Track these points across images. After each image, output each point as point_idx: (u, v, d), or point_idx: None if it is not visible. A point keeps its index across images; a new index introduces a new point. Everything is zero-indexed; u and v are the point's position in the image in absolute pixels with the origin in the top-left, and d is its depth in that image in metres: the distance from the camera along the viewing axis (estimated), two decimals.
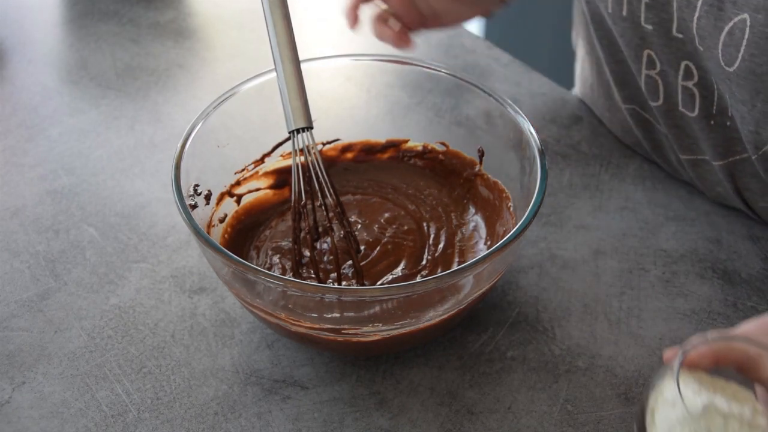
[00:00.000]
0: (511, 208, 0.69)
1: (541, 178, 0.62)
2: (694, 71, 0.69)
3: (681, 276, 0.72)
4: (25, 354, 0.65)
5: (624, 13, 0.70)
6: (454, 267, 0.66)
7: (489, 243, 0.70)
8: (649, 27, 0.69)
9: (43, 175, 0.81)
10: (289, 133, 0.62)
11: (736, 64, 0.62)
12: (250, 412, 0.61)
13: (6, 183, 0.80)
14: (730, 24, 0.62)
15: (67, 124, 0.87)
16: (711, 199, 0.78)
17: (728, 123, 0.69)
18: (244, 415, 0.61)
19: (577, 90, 0.92)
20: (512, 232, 0.58)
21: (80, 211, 0.77)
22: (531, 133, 0.66)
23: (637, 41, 0.71)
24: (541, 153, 0.64)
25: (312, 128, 0.63)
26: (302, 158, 0.63)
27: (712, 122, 0.70)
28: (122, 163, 0.83)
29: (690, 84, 0.70)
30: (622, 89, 0.78)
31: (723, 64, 0.64)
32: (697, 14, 0.64)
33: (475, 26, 1.93)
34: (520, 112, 0.68)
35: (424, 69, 0.73)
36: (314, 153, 0.64)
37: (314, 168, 0.64)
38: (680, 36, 0.67)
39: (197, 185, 0.66)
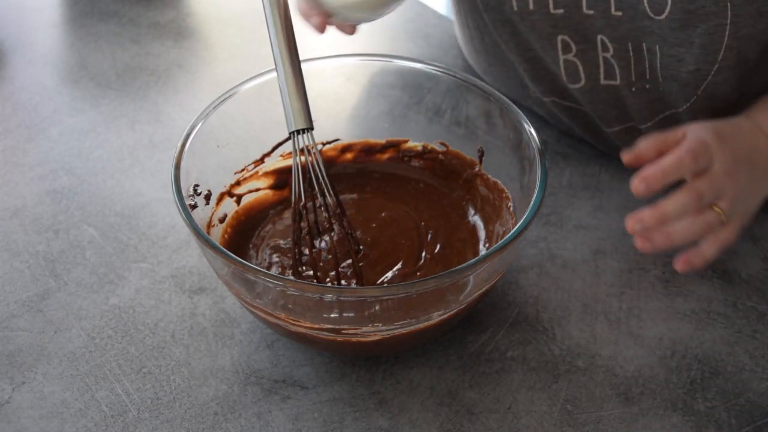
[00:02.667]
0: (511, 208, 0.69)
1: (541, 178, 0.62)
2: (608, 43, 0.71)
3: (681, 276, 0.72)
4: (25, 354, 0.65)
5: (531, 6, 0.72)
6: (454, 267, 0.66)
7: (489, 243, 0.70)
8: (560, 11, 0.71)
9: (43, 175, 0.81)
10: (290, 133, 0.63)
11: (667, 9, 0.66)
12: (250, 412, 0.61)
13: (6, 183, 0.80)
14: None
15: (67, 124, 0.87)
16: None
17: (647, 86, 0.73)
18: (244, 415, 0.61)
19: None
20: (512, 232, 0.58)
21: (80, 211, 0.77)
22: (531, 133, 0.66)
23: (549, 30, 0.73)
24: (541, 153, 0.64)
25: (312, 129, 0.63)
26: (302, 158, 0.63)
27: (634, 89, 0.73)
28: (122, 163, 0.83)
29: (608, 56, 0.73)
30: (539, 84, 0.80)
31: (651, 14, 0.67)
32: None
33: None
34: (520, 112, 0.68)
35: (424, 69, 0.73)
36: (314, 153, 0.64)
37: (314, 168, 0.64)
38: (591, 12, 0.70)
39: (197, 185, 0.66)
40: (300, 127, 0.62)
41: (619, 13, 0.69)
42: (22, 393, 0.62)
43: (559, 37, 0.73)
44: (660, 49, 0.69)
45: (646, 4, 0.66)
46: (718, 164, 0.63)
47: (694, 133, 0.65)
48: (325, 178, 0.64)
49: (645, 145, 0.65)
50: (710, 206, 0.64)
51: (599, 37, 0.72)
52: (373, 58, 0.75)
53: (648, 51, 0.70)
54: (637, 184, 0.62)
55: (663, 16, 0.66)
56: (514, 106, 0.68)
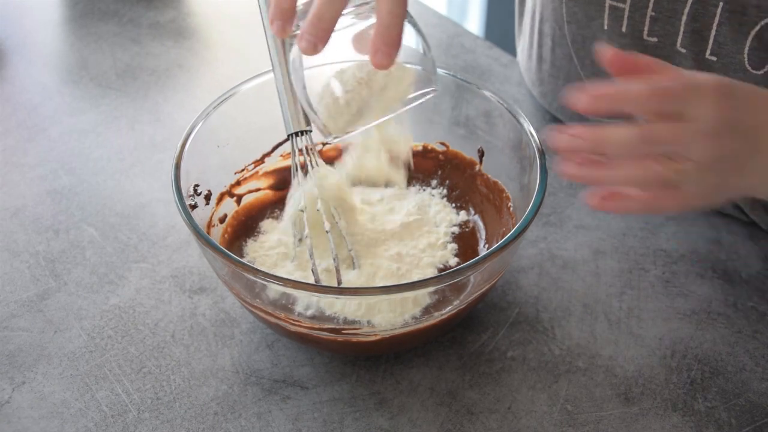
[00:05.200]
0: (511, 208, 0.69)
1: (541, 178, 0.62)
2: None
3: (681, 276, 0.72)
4: (25, 354, 0.65)
5: (624, 29, 0.69)
6: (454, 267, 0.66)
7: (489, 243, 0.70)
8: (654, 40, 0.68)
9: (43, 175, 0.81)
10: (288, 136, 0.63)
11: (766, 67, 0.61)
12: (250, 412, 0.61)
13: (6, 183, 0.80)
14: (757, 28, 0.61)
15: (67, 124, 0.87)
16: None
17: None
18: (244, 415, 0.61)
19: (547, 107, 0.89)
20: (512, 231, 0.58)
21: (80, 211, 0.77)
22: (531, 133, 0.66)
23: None
24: (541, 153, 0.64)
25: (311, 131, 0.63)
26: (302, 158, 0.63)
27: None
28: (122, 163, 0.83)
29: None
30: None
31: (749, 68, 0.63)
32: (717, 20, 0.63)
33: (475, 26, 1.93)
34: (520, 112, 0.68)
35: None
36: (313, 154, 0.64)
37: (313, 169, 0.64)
38: (683, 50, 0.67)
39: (197, 185, 0.66)
40: (298, 129, 0.62)
41: (713, 58, 0.65)
42: (22, 393, 0.62)
43: None
44: None
45: (745, 55, 0.62)
46: (701, 119, 0.51)
47: (697, 75, 0.53)
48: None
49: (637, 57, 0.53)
50: (668, 159, 0.52)
51: None
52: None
53: None
54: (578, 94, 0.51)
55: (761, 72, 0.61)
56: (515, 106, 0.68)
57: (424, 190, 0.75)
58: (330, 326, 0.60)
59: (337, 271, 0.63)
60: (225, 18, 1.05)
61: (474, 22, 1.95)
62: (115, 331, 0.67)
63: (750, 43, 0.62)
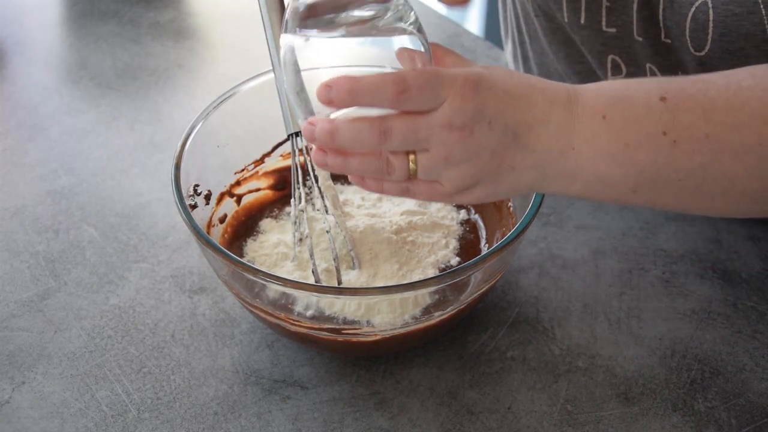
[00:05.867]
0: (511, 208, 0.69)
1: None
2: (657, 72, 0.68)
3: (681, 276, 0.72)
4: (25, 354, 0.65)
5: (582, 21, 0.69)
6: (455, 267, 0.66)
7: (489, 243, 0.70)
8: (612, 30, 0.68)
9: (43, 175, 0.81)
10: (288, 136, 0.63)
11: (707, 47, 0.62)
12: (250, 412, 0.61)
13: (6, 183, 0.80)
14: (693, 9, 0.61)
15: (67, 124, 0.87)
16: None
17: None
18: (244, 415, 0.61)
19: None
20: (512, 231, 0.58)
21: (80, 211, 0.77)
22: None
23: (599, 48, 0.70)
24: None
25: None
26: (302, 158, 0.63)
27: None
28: (122, 163, 0.83)
29: None
30: None
31: (692, 50, 0.63)
32: (661, 6, 0.64)
33: (475, 26, 1.93)
34: None
35: None
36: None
37: (314, 170, 0.64)
38: (640, 39, 0.67)
39: (197, 185, 0.66)
40: (299, 129, 0.62)
41: (668, 41, 0.65)
42: (22, 393, 0.62)
43: (610, 57, 0.70)
44: None
45: (687, 38, 0.62)
46: (442, 111, 0.49)
47: (453, 69, 0.51)
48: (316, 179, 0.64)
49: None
50: (405, 153, 0.51)
51: (648, 65, 0.68)
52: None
53: None
54: (322, 87, 0.49)
55: (703, 53, 0.62)
56: None
57: None
58: (330, 326, 0.60)
59: (337, 271, 0.63)
60: (225, 18, 1.05)
61: (474, 22, 1.95)
62: (115, 331, 0.67)
63: (689, 24, 0.62)
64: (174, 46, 0.99)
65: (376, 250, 0.66)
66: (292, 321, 0.60)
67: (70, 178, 0.81)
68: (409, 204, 0.72)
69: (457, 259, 0.68)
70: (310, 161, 0.64)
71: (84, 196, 0.79)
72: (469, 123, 0.49)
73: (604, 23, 0.68)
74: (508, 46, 0.89)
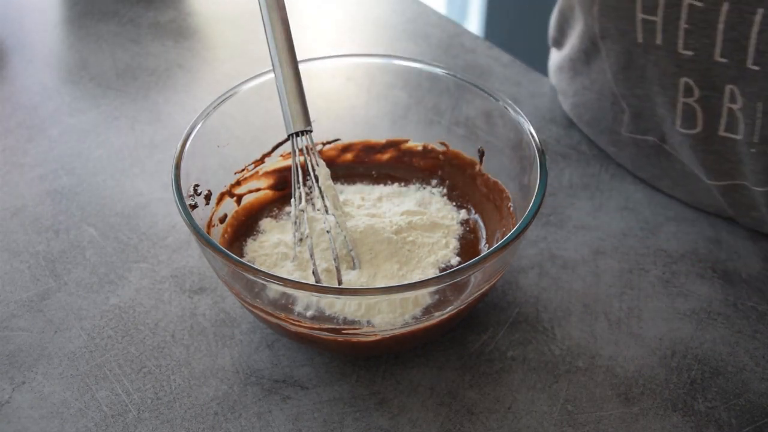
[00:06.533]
0: (511, 208, 0.69)
1: (541, 178, 0.62)
2: (738, 96, 0.67)
3: (681, 276, 0.72)
4: (25, 354, 0.65)
5: (658, 41, 0.68)
6: (455, 267, 0.66)
7: (489, 243, 0.70)
8: (689, 53, 0.67)
9: (43, 175, 0.81)
10: (288, 136, 0.63)
11: None
12: (250, 412, 0.61)
13: (6, 183, 0.80)
14: None
15: (67, 124, 0.87)
16: (742, 225, 0.76)
17: None
18: (244, 415, 0.61)
19: (576, 121, 0.88)
20: (512, 231, 0.58)
21: (80, 211, 0.77)
22: (531, 133, 0.66)
23: (673, 69, 0.69)
24: (541, 153, 0.64)
25: (311, 131, 0.63)
26: (302, 159, 0.64)
27: (754, 150, 0.68)
28: (122, 163, 0.83)
29: (735, 108, 0.68)
30: (643, 121, 0.76)
31: None
32: (756, 29, 0.62)
33: (475, 26, 1.93)
34: (520, 112, 0.68)
35: (424, 69, 0.73)
36: (313, 154, 0.64)
37: (314, 170, 0.64)
38: (724, 60, 0.66)
39: (197, 185, 0.66)
40: (299, 129, 0.62)
41: (756, 68, 0.63)
42: (22, 393, 0.62)
43: (683, 79, 0.69)
44: None
45: None
46: None
47: None
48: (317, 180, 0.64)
49: None
50: None
51: (728, 87, 0.67)
52: (373, 58, 0.75)
53: (762, 125, 0.66)
54: None
55: None
56: (515, 106, 0.68)
57: (424, 188, 0.75)
58: (330, 326, 0.60)
59: (338, 270, 0.64)
60: (225, 18, 1.05)
61: (474, 22, 1.95)
62: (115, 331, 0.67)
63: None
64: (174, 46, 1.00)
65: (377, 250, 0.66)
66: (292, 321, 0.60)
67: (70, 178, 0.81)
68: (409, 204, 0.72)
69: (458, 258, 0.68)
70: (311, 161, 0.64)
71: (84, 196, 0.79)
72: None
73: (680, 45, 0.67)
74: (563, 61, 0.87)
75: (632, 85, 0.74)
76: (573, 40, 0.83)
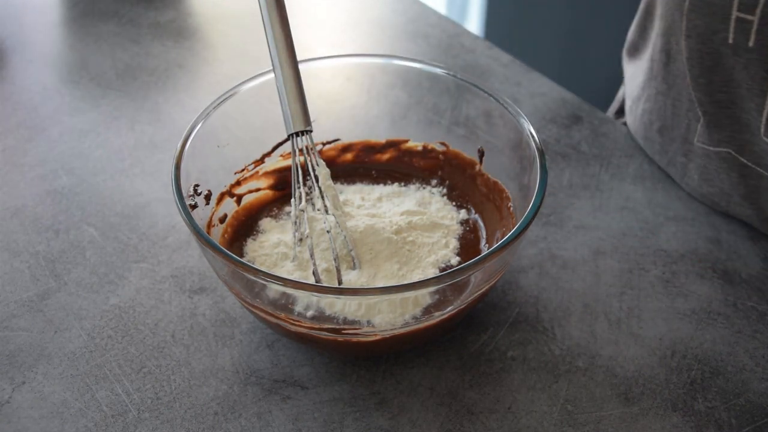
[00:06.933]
0: (511, 208, 0.69)
1: (541, 178, 0.62)
2: None
3: (681, 276, 0.72)
4: (25, 354, 0.65)
5: (751, 43, 0.65)
6: (455, 267, 0.66)
7: (489, 243, 0.70)
8: None
9: (43, 175, 0.81)
10: (288, 136, 0.63)
11: None
12: (250, 412, 0.61)
13: (6, 183, 0.80)
14: None
15: (67, 124, 0.87)
16: None
17: None
18: (244, 415, 0.61)
19: (636, 134, 0.85)
20: (512, 231, 0.58)
21: (80, 211, 0.77)
22: (531, 133, 0.66)
23: (764, 74, 0.66)
24: (541, 153, 0.64)
25: (311, 131, 0.63)
26: (302, 158, 0.64)
27: None
28: (122, 163, 0.83)
29: None
30: (718, 131, 0.73)
31: None
32: None
33: (475, 26, 1.93)
34: (520, 112, 0.68)
35: (424, 69, 0.73)
36: (313, 154, 0.64)
37: (314, 170, 0.65)
38: None
39: (197, 185, 0.66)
40: (299, 129, 0.62)
41: None
42: (22, 393, 0.62)
43: None
44: None
45: None
46: None
47: None
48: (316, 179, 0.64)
49: None
50: None
51: None
52: (373, 58, 0.75)
53: None
54: None
55: None
56: (515, 106, 0.68)
57: (424, 188, 0.75)
58: (330, 326, 0.60)
59: (338, 270, 0.64)
60: (225, 18, 1.05)
61: (474, 22, 1.95)
62: (115, 331, 0.67)
63: None
64: (174, 46, 1.00)
65: (377, 250, 0.66)
66: (292, 321, 0.60)
67: (70, 178, 0.81)
68: (409, 204, 0.72)
69: (458, 258, 0.68)
70: (311, 161, 0.64)
71: (84, 196, 0.79)
72: None
73: None
74: (635, 62, 0.84)
75: (714, 90, 0.71)
76: (654, 39, 0.79)
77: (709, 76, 0.71)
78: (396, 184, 0.76)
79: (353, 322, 0.60)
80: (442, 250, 0.68)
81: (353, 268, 0.65)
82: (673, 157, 0.80)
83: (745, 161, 0.72)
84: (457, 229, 0.71)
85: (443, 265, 0.67)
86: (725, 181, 0.75)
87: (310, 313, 0.61)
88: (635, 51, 0.86)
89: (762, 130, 0.69)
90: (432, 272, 0.66)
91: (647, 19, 0.82)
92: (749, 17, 0.65)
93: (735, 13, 0.66)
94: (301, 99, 0.62)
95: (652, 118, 0.81)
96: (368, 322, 0.60)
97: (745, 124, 0.70)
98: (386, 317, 0.60)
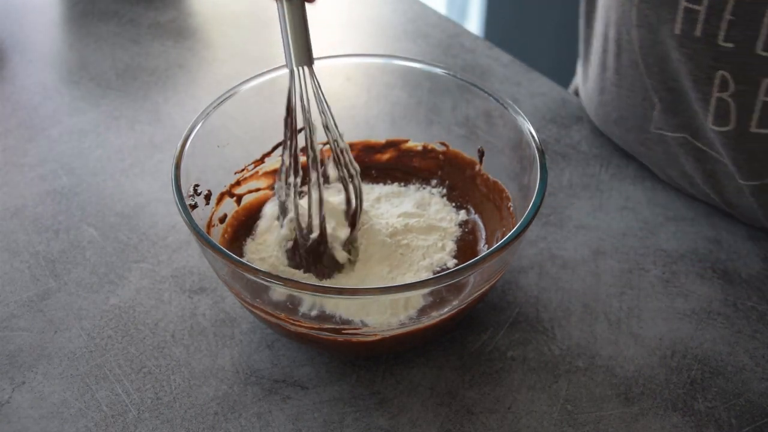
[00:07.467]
0: (511, 208, 0.69)
1: (541, 178, 0.62)
2: None
3: (681, 276, 0.72)
4: (25, 354, 0.65)
5: (697, 33, 0.67)
6: (454, 267, 0.66)
7: (489, 243, 0.70)
8: (729, 45, 0.66)
9: (43, 175, 0.81)
10: (290, 71, 0.61)
11: None
12: (250, 412, 0.61)
13: (6, 183, 0.80)
14: None
15: (67, 124, 0.87)
16: None
17: None
18: (244, 415, 0.61)
19: (598, 122, 0.87)
20: (512, 231, 0.58)
21: (80, 211, 0.77)
22: (531, 133, 0.66)
23: (710, 62, 0.68)
24: (541, 153, 0.64)
25: (313, 63, 0.61)
26: (301, 93, 0.62)
27: None
28: (122, 163, 0.83)
29: None
30: (673, 117, 0.74)
31: None
32: None
33: (475, 26, 1.93)
34: (520, 112, 0.68)
35: (424, 69, 0.73)
36: (316, 88, 0.62)
37: (320, 104, 0.63)
38: (765, 54, 0.65)
39: (197, 185, 0.66)
40: (300, 64, 0.61)
41: None
42: (22, 393, 0.62)
43: (719, 72, 0.68)
44: None
45: None
46: None
47: None
48: (329, 110, 0.63)
49: None
50: None
51: (765, 80, 0.66)
52: (373, 58, 0.75)
53: None
54: None
55: None
56: (515, 106, 0.68)
57: (423, 188, 0.75)
58: (330, 326, 0.60)
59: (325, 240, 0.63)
60: (225, 18, 1.05)
61: (474, 22, 1.95)
62: (115, 331, 0.67)
63: None
64: (174, 46, 1.00)
65: (370, 252, 0.66)
66: (292, 321, 0.60)
67: (70, 178, 0.81)
68: (408, 205, 0.72)
69: (454, 261, 0.68)
70: (315, 96, 0.62)
71: (84, 196, 0.79)
72: None
73: (721, 37, 0.66)
74: (590, 55, 0.86)
75: (667, 78, 0.73)
76: (603, 29, 0.81)
77: (661, 64, 0.72)
78: (396, 184, 0.76)
79: (349, 322, 0.60)
80: (438, 254, 0.68)
81: (350, 219, 0.65)
82: (633, 147, 0.82)
83: (700, 146, 0.74)
84: (455, 232, 0.71)
85: (438, 269, 0.67)
86: (685, 166, 0.77)
87: (311, 313, 0.61)
88: (586, 44, 0.88)
89: (710, 119, 0.71)
90: (425, 275, 0.66)
91: (592, 6, 0.84)
92: (696, 7, 0.66)
93: (683, 3, 0.67)
94: (306, 34, 0.61)
95: (608, 110, 0.83)
96: (362, 322, 0.60)
97: (695, 111, 0.72)
98: (386, 317, 0.60)
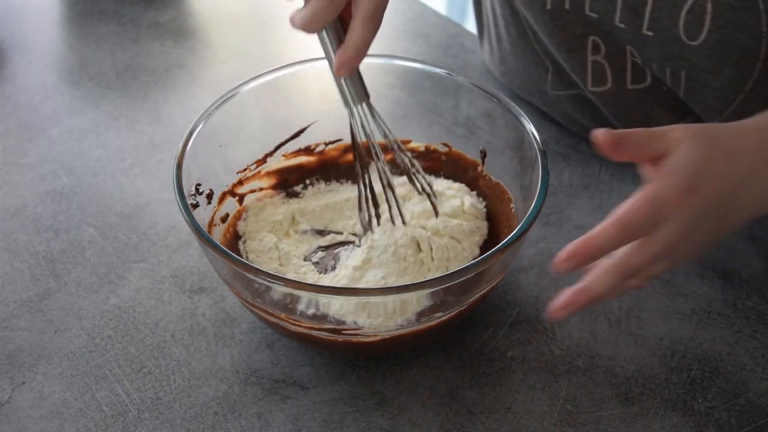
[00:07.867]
0: (513, 210, 0.69)
1: (542, 179, 0.62)
2: (637, 55, 0.72)
3: (681, 276, 0.72)
4: (25, 354, 0.65)
5: (567, 5, 0.72)
6: (455, 268, 0.66)
7: (490, 244, 0.70)
8: (594, 15, 0.71)
9: (43, 175, 0.81)
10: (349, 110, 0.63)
11: (701, 37, 0.65)
12: (250, 412, 0.61)
13: (6, 183, 0.80)
14: (689, 3, 0.65)
15: (67, 124, 0.87)
16: None
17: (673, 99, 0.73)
18: (244, 415, 0.61)
19: (508, 86, 0.92)
20: (514, 232, 0.58)
21: (80, 211, 0.77)
22: (532, 133, 0.66)
23: (581, 30, 0.73)
24: (543, 153, 0.64)
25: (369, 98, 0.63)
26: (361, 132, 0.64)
27: (658, 94, 0.74)
28: (122, 163, 0.83)
29: (638, 62, 0.73)
30: (565, 77, 0.80)
31: (685, 39, 0.66)
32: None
33: (475, 26, 1.93)
34: (521, 112, 0.68)
35: (424, 69, 0.73)
36: (378, 117, 0.64)
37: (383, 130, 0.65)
38: (622, 26, 0.70)
39: (199, 185, 0.66)
40: (360, 102, 0.63)
41: (650, 33, 0.68)
42: (22, 393, 0.62)
43: (590, 38, 0.73)
44: (687, 75, 0.69)
45: (681, 28, 0.66)
46: (672, 226, 0.51)
47: (667, 172, 0.52)
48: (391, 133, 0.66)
49: (627, 139, 0.53)
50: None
51: (628, 48, 0.72)
52: (373, 58, 0.75)
53: (672, 75, 0.70)
54: (562, 261, 0.52)
55: (697, 42, 0.66)
56: (515, 106, 0.68)
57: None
58: (330, 326, 0.60)
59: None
60: (225, 18, 1.05)
61: (474, 22, 1.94)
62: (115, 331, 0.67)
63: (684, 17, 0.65)
64: (174, 46, 1.00)
65: (383, 259, 0.65)
66: (292, 321, 0.60)
67: (70, 178, 0.81)
68: (414, 208, 0.70)
69: (458, 260, 0.68)
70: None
71: (84, 196, 0.79)
72: (694, 224, 0.51)
73: (587, 7, 0.71)
74: (485, 29, 0.92)
75: (553, 44, 0.77)
76: (490, 5, 0.87)
77: (545, 33, 0.77)
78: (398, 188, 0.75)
79: (354, 322, 0.60)
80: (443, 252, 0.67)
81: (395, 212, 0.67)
82: (539, 104, 0.87)
83: (589, 97, 0.80)
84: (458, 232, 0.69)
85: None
86: (584, 119, 0.83)
87: (311, 313, 0.61)
88: (479, 21, 0.94)
89: (588, 82, 0.77)
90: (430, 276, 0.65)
91: None
92: None
93: None
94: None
95: (511, 78, 0.89)
96: (362, 322, 0.60)
97: (580, 76, 0.77)
98: (386, 318, 0.60)
